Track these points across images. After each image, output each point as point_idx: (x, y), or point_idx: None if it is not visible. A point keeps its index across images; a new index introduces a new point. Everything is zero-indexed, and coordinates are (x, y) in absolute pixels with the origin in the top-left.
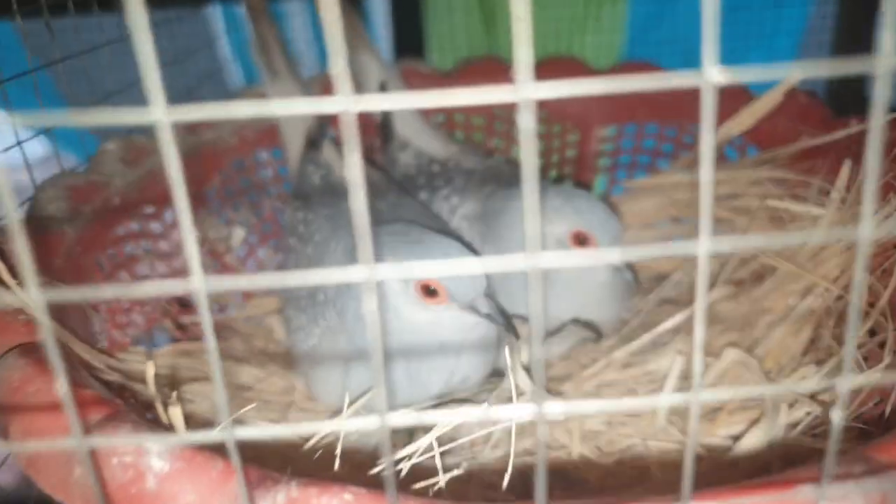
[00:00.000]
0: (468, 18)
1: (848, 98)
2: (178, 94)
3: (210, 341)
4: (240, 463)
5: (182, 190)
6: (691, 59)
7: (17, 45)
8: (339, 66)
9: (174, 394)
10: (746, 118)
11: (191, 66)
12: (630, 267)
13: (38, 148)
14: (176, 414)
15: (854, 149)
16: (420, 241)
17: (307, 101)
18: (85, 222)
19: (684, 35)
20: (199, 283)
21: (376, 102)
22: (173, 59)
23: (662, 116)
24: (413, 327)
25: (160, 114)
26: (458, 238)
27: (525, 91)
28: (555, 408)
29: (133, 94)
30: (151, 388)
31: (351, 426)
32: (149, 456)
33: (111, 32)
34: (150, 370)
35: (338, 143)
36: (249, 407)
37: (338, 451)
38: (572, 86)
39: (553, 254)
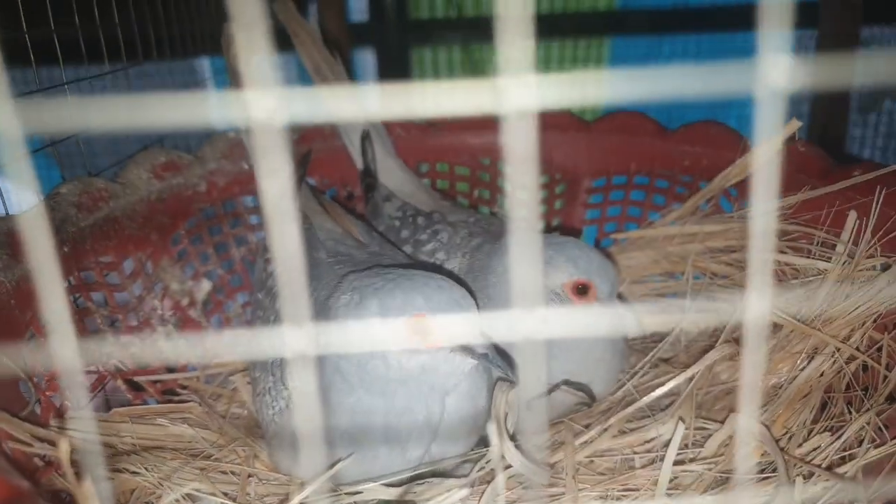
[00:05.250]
0: (452, 74)
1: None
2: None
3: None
4: None
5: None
6: (673, 112)
7: None
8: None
9: (87, 475)
10: (743, 167)
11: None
12: (631, 310)
13: None
14: (85, 496)
15: (858, 199)
16: (408, 277)
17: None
18: (23, 273)
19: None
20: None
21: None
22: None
23: (653, 168)
24: (401, 375)
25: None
26: (450, 274)
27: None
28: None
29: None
30: (66, 470)
31: None
32: None
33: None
34: (63, 448)
35: (316, 192)
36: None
37: None
38: (565, 85)
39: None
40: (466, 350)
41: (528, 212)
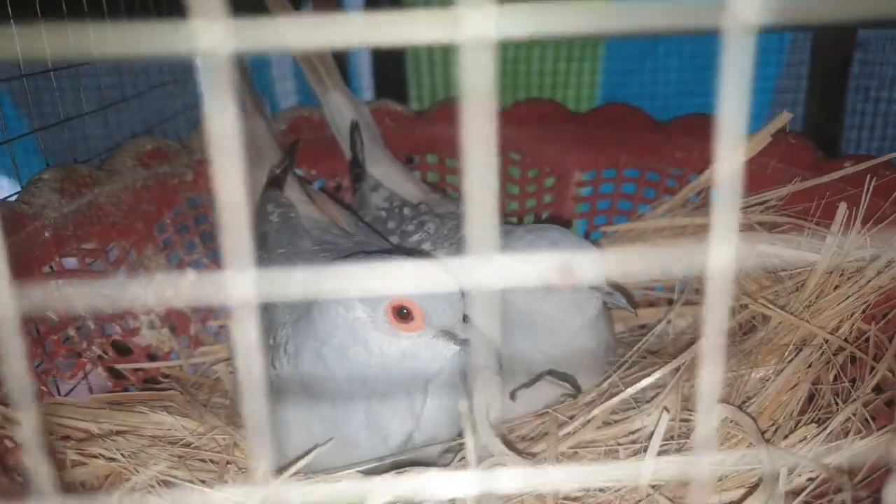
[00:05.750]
0: (448, 72)
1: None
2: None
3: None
4: None
5: None
6: (662, 111)
7: None
8: None
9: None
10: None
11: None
12: (622, 292)
13: None
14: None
15: (849, 191)
16: (388, 259)
17: None
18: None
19: (651, 92)
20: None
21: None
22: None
23: (643, 161)
24: (382, 361)
25: None
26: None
27: (469, 25)
28: (507, 480)
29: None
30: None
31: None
32: None
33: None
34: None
35: (303, 182)
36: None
37: None
38: (526, 15)
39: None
40: (449, 335)
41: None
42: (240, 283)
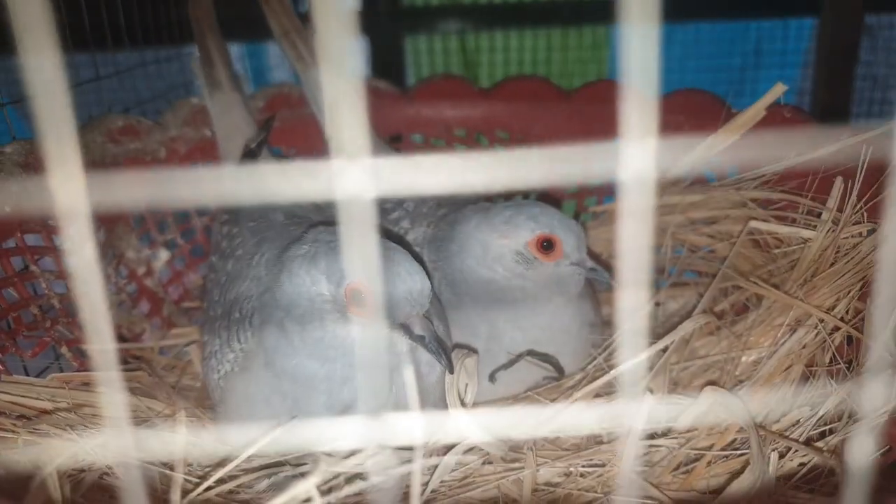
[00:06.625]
0: (448, 59)
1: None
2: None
3: None
4: None
5: None
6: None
7: None
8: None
9: None
10: (726, 135)
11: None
12: (605, 266)
13: None
14: None
15: (845, 164)
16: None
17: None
18: None
19: (667, 67)
20: None
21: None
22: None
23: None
24: (336, 343)
25: None
26: (408, 247)
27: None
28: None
29: None
30: None
31: None
32: None
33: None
34: None
35: (280, 160)
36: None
37: None
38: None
39: None
40: (403, 328)
41: None
42: (68, 189)
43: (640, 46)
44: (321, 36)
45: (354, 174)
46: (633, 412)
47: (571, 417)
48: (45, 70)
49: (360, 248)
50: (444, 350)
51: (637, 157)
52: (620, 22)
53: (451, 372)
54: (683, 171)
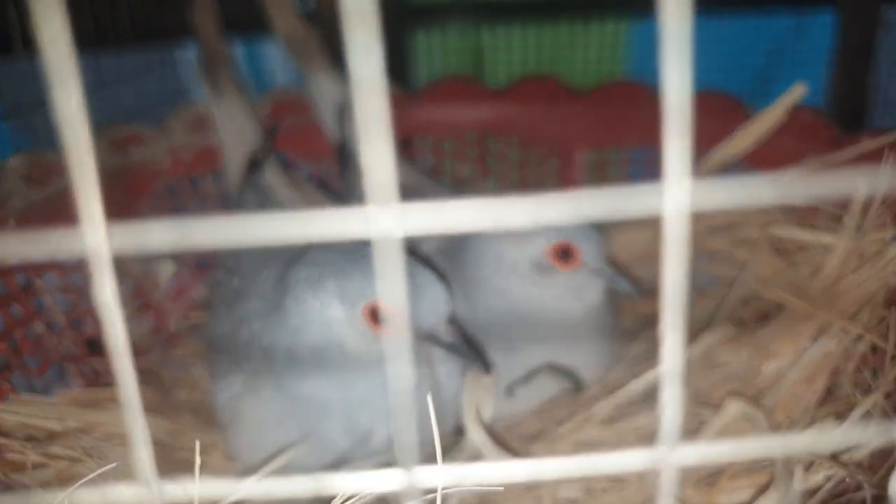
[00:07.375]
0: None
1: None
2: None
3: None
4: None
5: None
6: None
7: None
8: None
9: None
10: (745, 139)
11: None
12: (626, 275)
13: None
14: None
15: (868, 168)
16: (371, 258)
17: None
18: None
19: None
20: None
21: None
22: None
23: (649, 140)
24: (357, 364)
25: None
26: (425, 258)
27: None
28: (432, 476)
29: None
30: None
31: None
32: None
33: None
34: None
35: (288, 168)
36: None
37: None
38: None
39: None
40: (432, 339)
41: None
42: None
43: (676, 47)
44: (351, 63)
45: (385, 221)
46: (670, 460)
47: (601, 462)
48: (71, 105)
49: (384, 265)
50: (478, 351)
51: (678, 198)
52: (659, 16)
53: (489, 372)
54: (718, 204)
